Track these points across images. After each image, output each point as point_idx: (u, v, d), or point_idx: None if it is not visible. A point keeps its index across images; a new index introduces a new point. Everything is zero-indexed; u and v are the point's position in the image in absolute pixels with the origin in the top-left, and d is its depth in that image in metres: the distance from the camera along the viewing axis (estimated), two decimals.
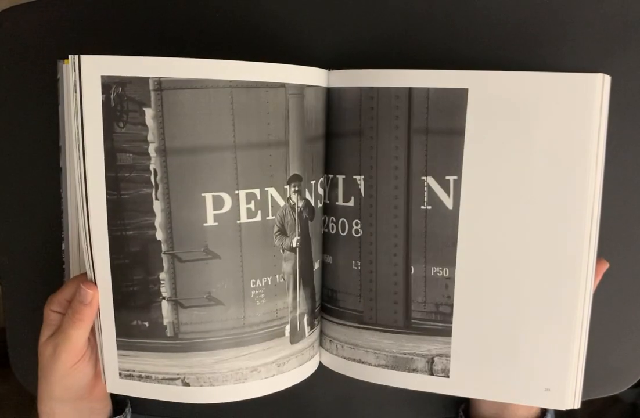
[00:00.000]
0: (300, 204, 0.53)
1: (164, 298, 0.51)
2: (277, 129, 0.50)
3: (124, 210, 0.49)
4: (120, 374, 0.52)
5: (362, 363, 0.56)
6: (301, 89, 0.51)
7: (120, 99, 0.47)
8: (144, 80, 0.47)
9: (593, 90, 0.49)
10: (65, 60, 0.59)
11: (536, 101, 0.50)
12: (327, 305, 0.58)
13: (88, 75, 0.47)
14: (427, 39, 0.59)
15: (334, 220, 0.56)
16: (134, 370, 0.52)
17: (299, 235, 0.53)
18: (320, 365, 0.59)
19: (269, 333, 0.53)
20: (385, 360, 0.55)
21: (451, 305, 0.53)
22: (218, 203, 0.50)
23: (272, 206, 0.51)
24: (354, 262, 0.55)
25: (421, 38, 0.59)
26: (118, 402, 0.63)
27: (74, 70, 0.47)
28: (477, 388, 0.54)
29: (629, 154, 0.59)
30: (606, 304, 0.60)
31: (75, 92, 0.47)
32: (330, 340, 0.57)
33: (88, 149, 0.48)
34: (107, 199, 0.49)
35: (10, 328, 0.66)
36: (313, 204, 0.54)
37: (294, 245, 0.53)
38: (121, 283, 0.51)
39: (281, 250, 0.52)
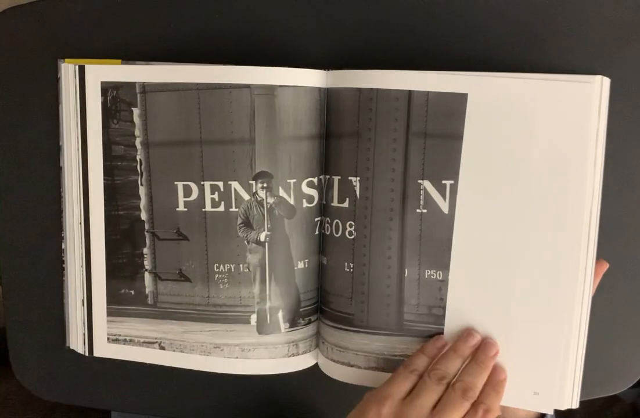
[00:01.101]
0: (271, 200, 0.55)
1: (146, 270, 0.59)
2: (241, 127, 0.54)
3: (117, 193, 0.58)
4: (108, 339, 0.60)
5: (351, 366, 0.55)
6: (271, 90, 0.53)
7: (115, 100, 0.56)
8: (132, 85, 0.56)
9: (592, 93, 0.49)
10: (66, 60, 0.60)
11: (534, 104, 0.50)
12: (322, 307, 0.57)
13: (91, 81, 0.56)
14: (427, 39, 0.59)
15: (329, 221, 0.55)
16: (119, 335, 0.60)
17: (268, 231, 0.55)
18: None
19: (233, 317, 0.57)
20: (376, 362, 0.55)
21: (444, 308, 0.53)
22: (187, 191, 0.56)
23: (235, 199, 0.55)
24: (346, 264, 0.54)
25: (421, 38, 0.59)
26: None
27: (75, 76, 0.56)
28: None
29: (629, 155, 0.59)
30: (606, 304, 0.59)
31: (76, 94, 0.57)
32: (323, 342, 0.57)
33: (89, 142, 0.57)
34: (104, 183, 0.58)
35: (10, 328, 0.66)
36: (293, 203, 0.55)
37: (262, 239, 0.55)
38: (113, 256, 0.59)
39: (246, 242, 0.56)
